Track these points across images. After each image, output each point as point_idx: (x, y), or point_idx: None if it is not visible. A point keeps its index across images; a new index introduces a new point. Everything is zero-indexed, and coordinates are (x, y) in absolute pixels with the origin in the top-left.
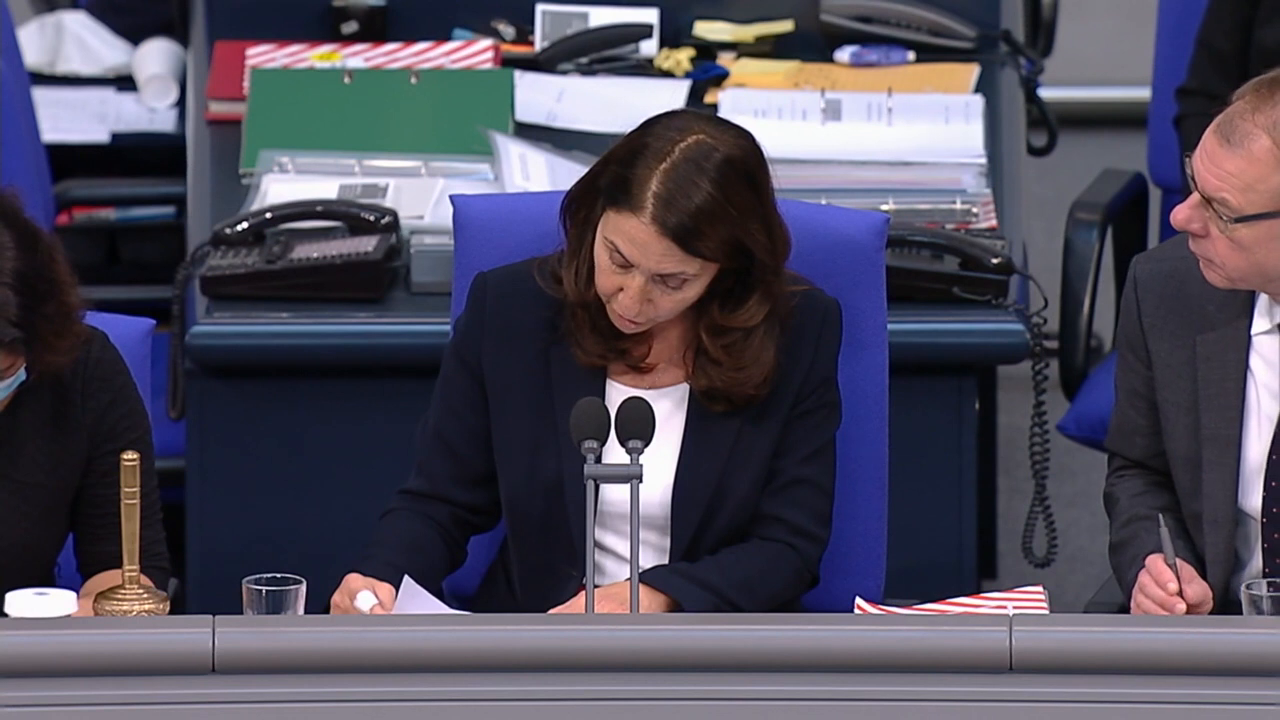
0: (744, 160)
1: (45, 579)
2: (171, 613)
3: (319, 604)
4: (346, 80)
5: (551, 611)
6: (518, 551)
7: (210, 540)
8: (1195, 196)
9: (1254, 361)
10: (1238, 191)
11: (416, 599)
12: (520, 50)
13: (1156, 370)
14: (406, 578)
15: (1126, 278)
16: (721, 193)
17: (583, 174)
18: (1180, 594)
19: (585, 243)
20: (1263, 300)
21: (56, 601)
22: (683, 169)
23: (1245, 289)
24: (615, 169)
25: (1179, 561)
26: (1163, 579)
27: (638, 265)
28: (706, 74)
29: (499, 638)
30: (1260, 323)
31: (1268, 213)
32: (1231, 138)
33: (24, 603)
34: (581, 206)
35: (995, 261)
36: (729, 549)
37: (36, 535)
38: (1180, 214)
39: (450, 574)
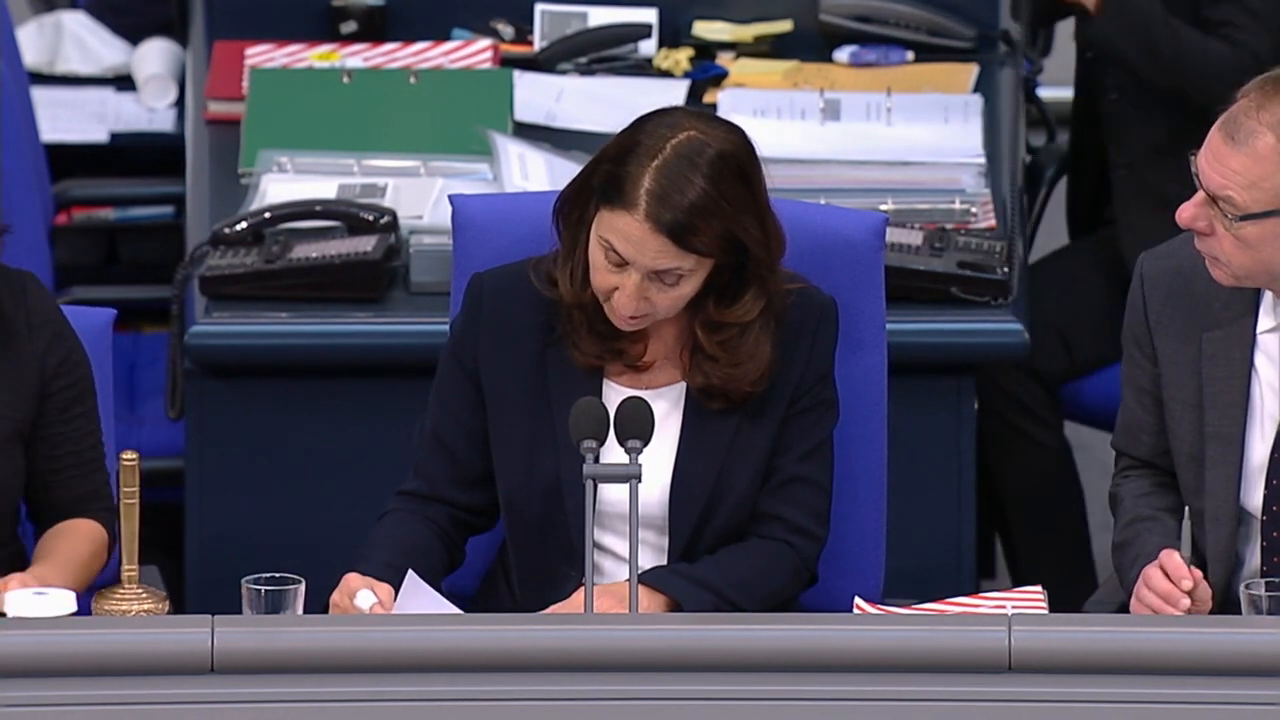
0: (736, 155)
1: (7, 518)
2: (170, 612)
3: (318, 604)
4: (345, 80)
5: (550, 611)
6: (516, 552)
7: (209, 540)
8: (1200, 195)
9: (1259, 360)
10: (1242, 189)
11: (419, 594)
12: (519, 50)
13: (1163, 367)
14: (410, 572)
15: (1134, 274)
16: (715, 188)
17: (574, 174)
18: (1190, 593)
19: (579, 243)
20: (1268, 298)
21: (56, 601)
22: (675, 165)
23: (1251, 287)
24: (608, 167)
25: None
26: (1179, 574)
27: (633, 263)
28: (705, 74)
29: (498, 638)
30: (1265, 321)
31: (1272, 210)
32: (1236, 135)
33: (24, 603)
34: (574, 207)
35: (1003, 271)
36: (727, 548)
37: None
38: (1186, 212)
39: (449, 575)
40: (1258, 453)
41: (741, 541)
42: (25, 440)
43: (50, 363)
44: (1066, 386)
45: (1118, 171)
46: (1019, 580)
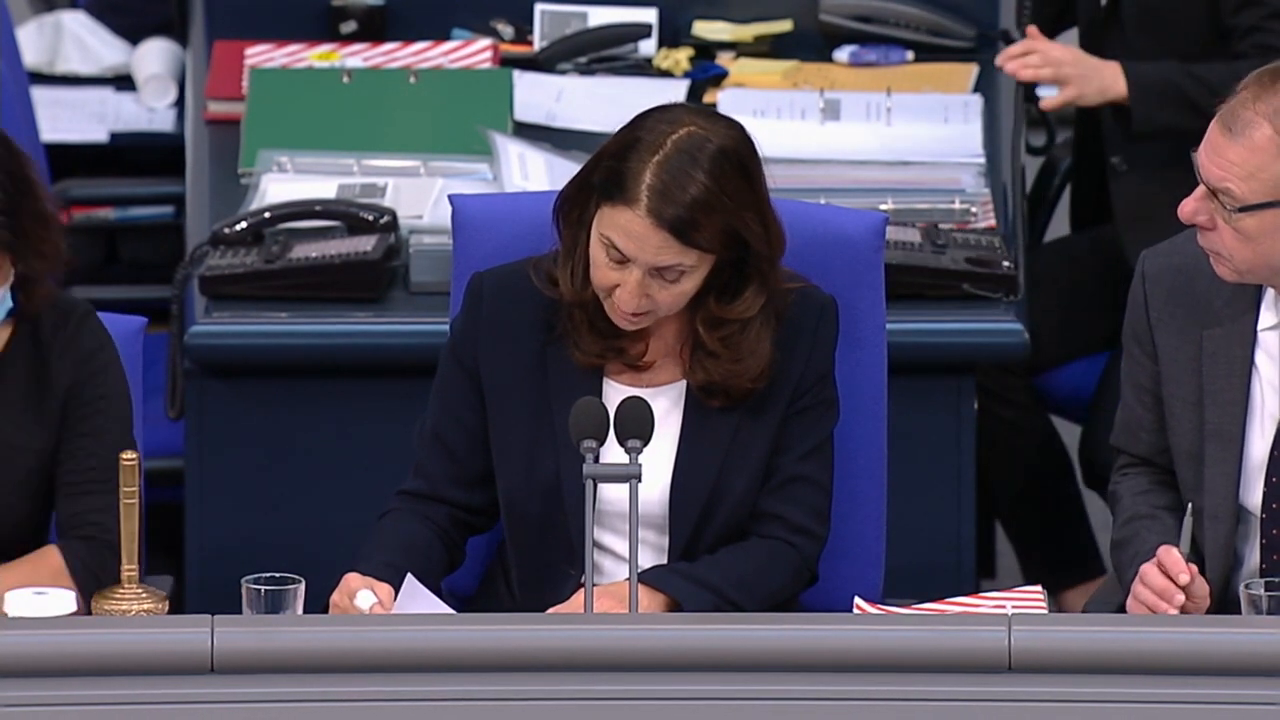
0: (736, 151)
1: (30, 549)
2: (170, 612)
3: (318, 604)
4: (345, 80)
5: (550, 611)
6: (516, 552)
7: (209, 540)
8: (1201, 189)
9: (1259, 358)
10: (1240, 180)
11: (418, 597)
12: (519, 50)
13: (1163, 365)
14: (409, 576)
15: (1135, 272)
16: (716, 183)
17: (574, 173)
18: (1185, 588)
19: (580, 242)
20: (1269, 296)
21: (56, 601)
22: (676, 160)
23: (1254, 283)
24: (608, 163)
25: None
26: (1175, 569)
27: (634, 259)
28: (705, 74)
29: (498, 638)
30: (1266, 318)
31: (1271, 201)
32: (1234, 127)
33: (24, 603)
34: (575, 206)
35: (1006, 265)
36: (728, 548)
37: (21, 501)
38: (1187, 207)
39: (449, 575)
40: (1257, 451)
41: (742, 541)
42: (51, 471)
43: (72, 389)
44: (1031, 380)
45: (1116, 170)
46: (1024, 567)
